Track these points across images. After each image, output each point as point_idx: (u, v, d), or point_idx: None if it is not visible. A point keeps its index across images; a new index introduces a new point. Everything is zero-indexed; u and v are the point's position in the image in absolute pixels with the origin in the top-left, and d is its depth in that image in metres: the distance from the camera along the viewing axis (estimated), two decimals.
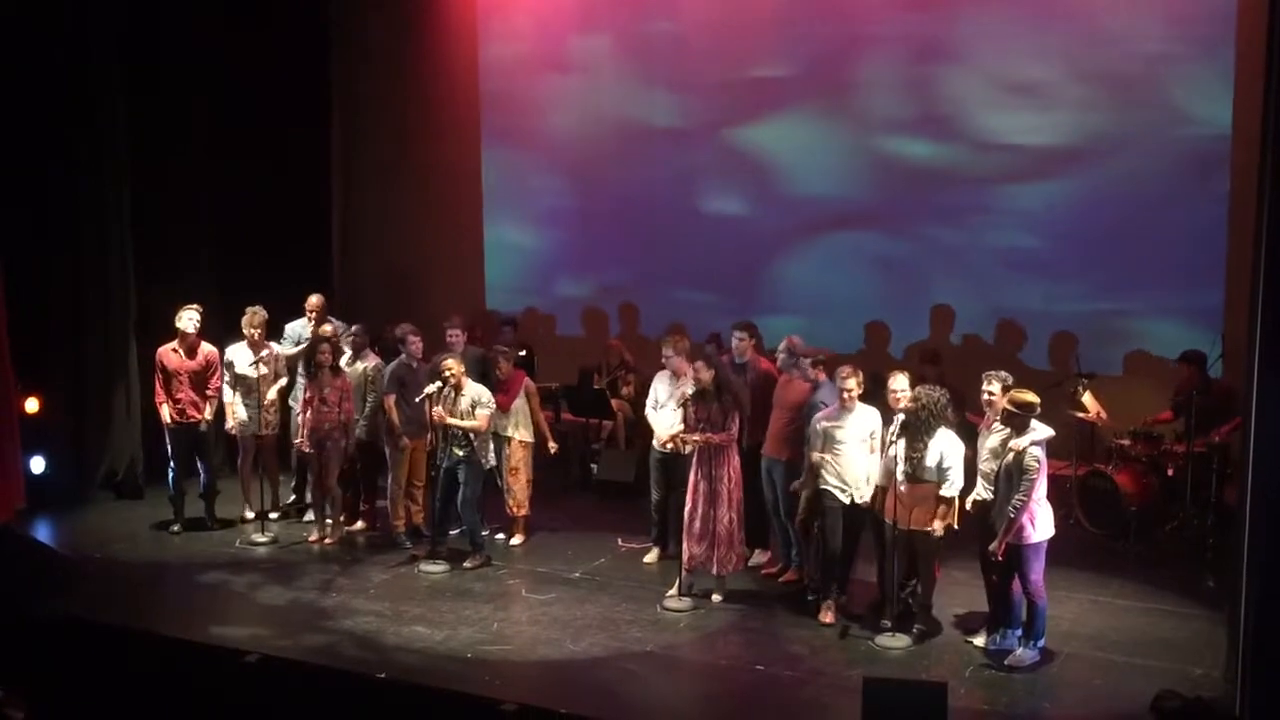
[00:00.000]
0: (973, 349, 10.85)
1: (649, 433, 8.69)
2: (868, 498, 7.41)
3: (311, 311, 9.81)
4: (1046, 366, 10.57)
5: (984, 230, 10.92)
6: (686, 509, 7.82)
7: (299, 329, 9.83)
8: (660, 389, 8.38)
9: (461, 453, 8.43)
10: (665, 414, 8.17)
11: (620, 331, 12.23)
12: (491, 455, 8.61)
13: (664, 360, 8.44)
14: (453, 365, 8.41)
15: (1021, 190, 10.72)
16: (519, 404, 8.99)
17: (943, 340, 10.91)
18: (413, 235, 12.89)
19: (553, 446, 9.13)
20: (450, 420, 8.39)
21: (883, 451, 7.33)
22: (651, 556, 8.61)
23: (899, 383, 7.33)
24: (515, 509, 9.08)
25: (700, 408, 7.79)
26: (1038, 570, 6.92)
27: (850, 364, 7.64)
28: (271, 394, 9.40)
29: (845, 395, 7.42)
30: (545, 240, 12.67)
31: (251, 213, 11.04)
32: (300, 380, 9.40)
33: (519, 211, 12.73)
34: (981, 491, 7.15)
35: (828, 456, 7.43)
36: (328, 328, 9.50)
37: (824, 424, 7.47)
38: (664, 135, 11.97)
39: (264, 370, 9.30)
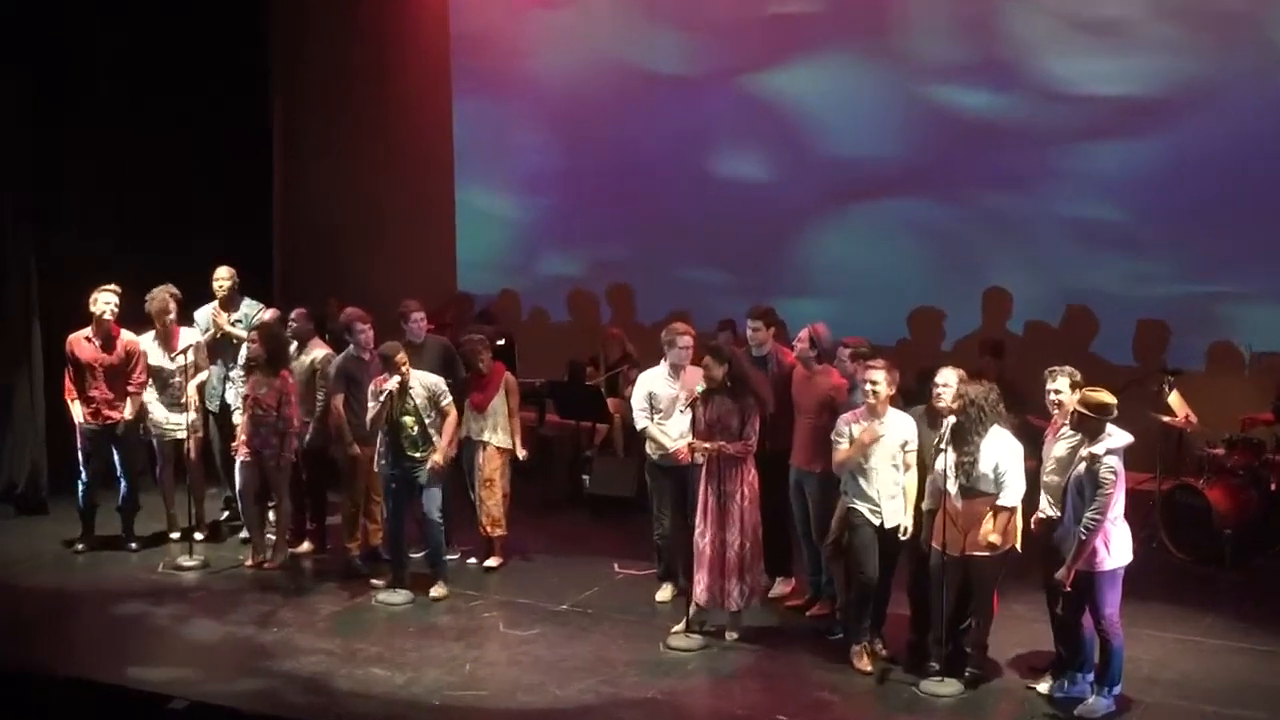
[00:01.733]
0: (1037, 339, 10.85)
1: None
2: (903, 522, 7.38)
3: (219, 287, 9.68)
4: (1125, 360, 10.57)
5: (1052, 198, 10.91)
6: (696, 532, 7.80)
7: (208, 315, 9.76)
8: (659, 391, 8.23)
9: (418, 454, 8.45)
10: (675, 422, 8.09)
11: (612, 318, 12.23)
12: (451, 453, 8.66)
13: (679, 350, 8.25)
14: (401, 359, 8.38)
15: (1096, 150, 10.70)
16: (497, 403, 8.96)
17: (1001, 329, 10.91)
18: (369, 203, 12.87)
19: (522, 453, 9.06)
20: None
21: (930, 463, 7.31)
22: (666, 593, 8.53)
23: (945, 375, 7.33)
24: (490, 528, 9.08)
25: (711, 410, 7.75)
26: (1112, 602, 6.90)
27: (884, 359, 7.58)
28: (190, 389, 9.42)
29: (873, 396, 7.38)
30: (527, 209, 12.64)
31: (176, 181, 11.03)
32: (217, 375, 9.45)
33: (496, 175, 12.71)
34: (1046, 508, 7.10)
35: (855, 474, 7.42)
36: (222, 319, 9.45)
37: (852, 427, 7.45)
38: (669, 83, 11.94)
39: (183, 361, 9.27)
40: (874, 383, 7.37)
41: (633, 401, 8.37)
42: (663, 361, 8.35)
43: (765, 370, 8.27)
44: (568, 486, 10.79)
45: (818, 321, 8.22)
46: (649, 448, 8.36)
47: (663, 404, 8.20)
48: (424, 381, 8.51)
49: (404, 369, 8.40)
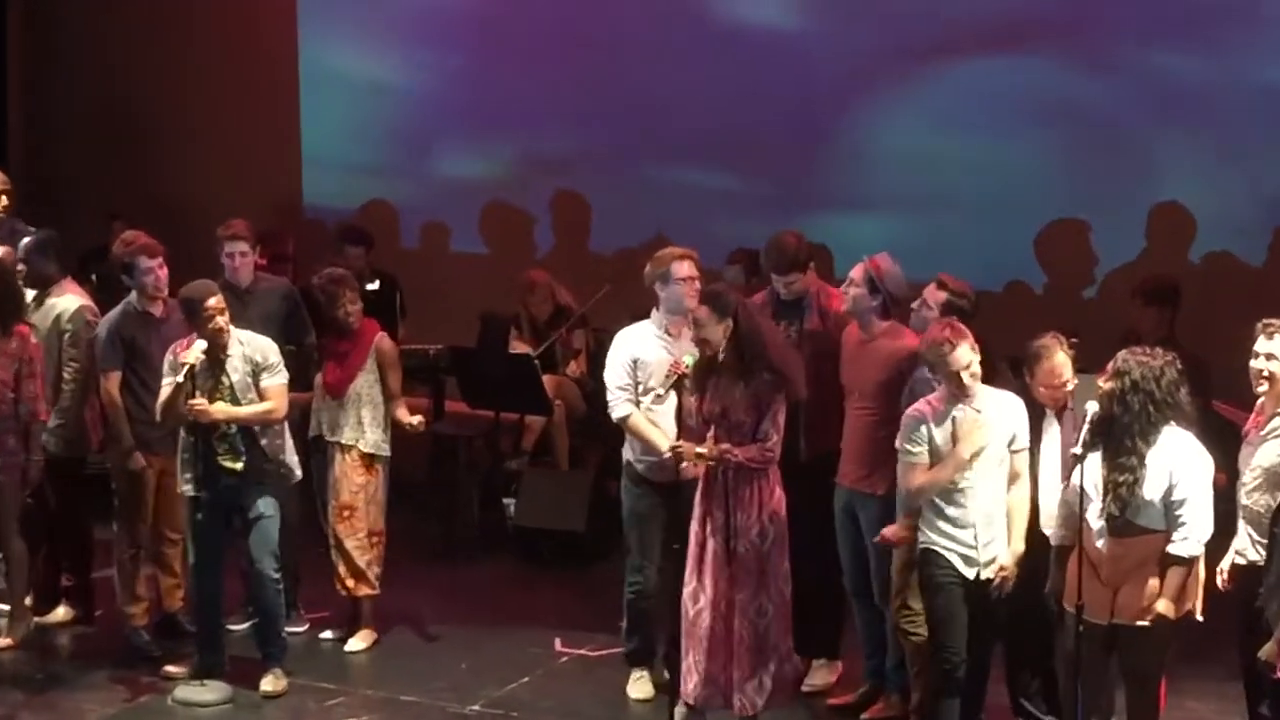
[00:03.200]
0: (1227, 279, 10.86)
1: (613, 441, 8.61)
2: (1000, 559, 7.43)
3: None
4: None
5: (1254, 56, 10.92)
6: (686, 589, 7.83)
7: None
8: (648, 357, 8.26)
9: (238, 466, 8.45)
10: (670, 409, 8.07)
11: (553, 249, 12.26)
12: (294, 461, 8.71)
13: (676, 288, 8.20)
14: (216, 305, 8.33)
15: None
16: (364, 383, 9.02)
17: (1174, 263, 10.85)
18: (158, 66, 12.89)
19: (414, 419, 9.02)
20: (218, 410, 8.35)
21: (1064, 474, 7.23)
22: (642, 687, 8.57)
23: (1066, 368, 7.36)
24: (352, 584, 9.08)
25: (710, 394, 7.77)
26: None
27: (941, 320, 7.56)
28: None
29: (954, 369, 7.36)
30: (415, 73, 12.69)
31: None
32: None
33: (364, 18, 12.74)
34: (1246, 548, 7.11)
35: (940, 497, 7.44)
36: None
37: (932, 428, 7.43)
38: None
39: None
40: (960, 364, 7.28)
41: (607, 374, 8.39)
42: (654, 311, 8.37)
43: (798, 324, 8.35)
44: (480, 517, 10.80)
45: (878, 253, 8.19)
46: (629, 450, 8.41)
47: (655, 378, 8.24)
48: (248, 347, 8.46)
49: (221, 324, 8.33)
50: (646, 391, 8.23)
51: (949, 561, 7.41)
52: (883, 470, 7.82)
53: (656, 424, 8.15)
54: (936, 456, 7.37)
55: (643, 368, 8.24)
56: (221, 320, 8.31)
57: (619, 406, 8.26)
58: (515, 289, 11.25)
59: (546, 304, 11.02)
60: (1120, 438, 6.93)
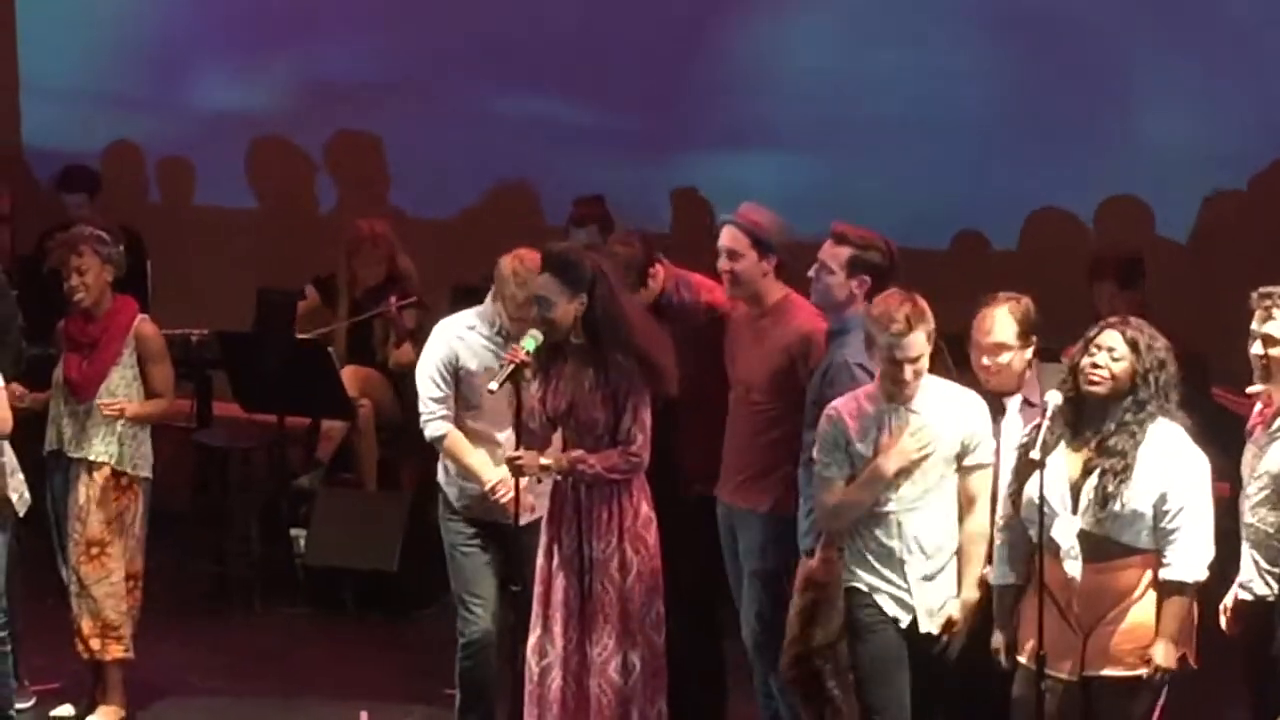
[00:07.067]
0: (1217, 248, 11.02)
1: (436, 453, 8.55)
2: (949, 612, 7.48)
3: None
4: None
5: None
6: (530, 640, 7.92)
7: None
8: (470, 362, 8.35)
9: None
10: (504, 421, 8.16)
11: (339, 198, 12.38)
12: (15, 487, 8.74)
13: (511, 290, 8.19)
14: None
15: None
16: (119, 381, 9.05)
17: (1150, 234, 11.05)
18: None
19: (131, 409, 8.95)
20: None
21: (1012, 492, 7.24)
22: None
23: (999, 327, 7.41)
24: (98, 643, 9.02)
25: (555, 388, 7.86)
26: None
27: (900, 289, 7.48)
28: None
29: (900, 358, 7.34)
30: None
31: None
32: None
33: None
34: (1254, 579, 7.17)
35: (864, 522, 7.48)
36: None
37: (849, 425, 7.46)
38: None
39: None
40: (906, 348, 7.27)
41: (419, 380, 8.45)
42: (488, 301, 8.40)
43: (667, 318, 8.44)
44: (262, 553, 10.78)
45: (741, 206, 8.27)
46: (445, 476, 8.50)
47: (480, 387, 8.26)
48: None
49: None
50: (470, 409, 8.28)
51: (877, 606, 7.39)
52: (768, 480, 7.89)
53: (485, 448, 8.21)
54: (859, 469, 7.35)
55: (465, 375, 8.28)
56: None
57: (431, 422, 8.30)
58: (342, 244, 11.21)
59: (379, 266, 10.96)
60: (1107, 428, 6.96)
